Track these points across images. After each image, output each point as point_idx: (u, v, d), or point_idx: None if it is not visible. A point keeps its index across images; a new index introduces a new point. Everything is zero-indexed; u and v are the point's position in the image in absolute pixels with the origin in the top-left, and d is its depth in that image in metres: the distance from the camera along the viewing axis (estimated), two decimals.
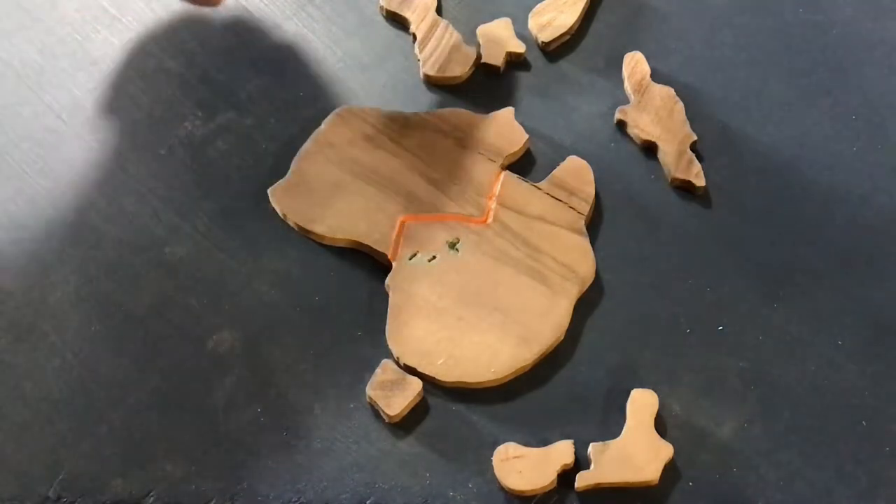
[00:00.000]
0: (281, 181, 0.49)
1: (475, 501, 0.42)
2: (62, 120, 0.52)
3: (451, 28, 0.54)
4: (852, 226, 0.49)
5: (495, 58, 0.53)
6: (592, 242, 0.48)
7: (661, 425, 0.44)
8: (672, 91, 0.52)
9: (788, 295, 0.47)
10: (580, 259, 0.47)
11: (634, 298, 0.47)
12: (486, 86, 0.53)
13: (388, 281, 0.47)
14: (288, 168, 0.50)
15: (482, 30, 0.54)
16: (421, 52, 0.53)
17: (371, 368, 0.45)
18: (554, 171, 0.50)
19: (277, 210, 0.49)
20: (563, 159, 0.50)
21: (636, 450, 0.43)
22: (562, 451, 0.43)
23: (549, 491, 0.42)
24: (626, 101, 0.52)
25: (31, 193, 0.50)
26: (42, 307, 0.47)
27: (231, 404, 0.45)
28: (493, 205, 0.49)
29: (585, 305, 0.47)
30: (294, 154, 0.50)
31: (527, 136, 0.51)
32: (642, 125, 0.51)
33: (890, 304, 0.47)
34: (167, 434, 0.44)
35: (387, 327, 0.46)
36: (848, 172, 0.51)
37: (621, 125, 0.52)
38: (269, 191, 0.49)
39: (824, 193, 0.50)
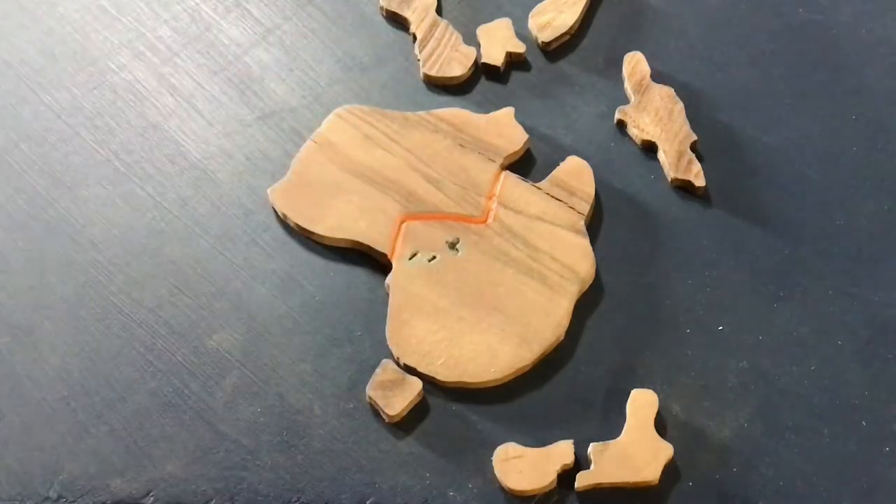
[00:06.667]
0: (281, 181, 0.49)
1: (475, 501, 0.42)
2: (62, 120, 0.52)
3: (451, 28, 0.54)
4: (852, 226, 0.49)
5: (495, 58, 0.53)
6: (592, 242, 0.48)
7: (661, 425, 0.44)
8: (672, 91, 0.52)
9: (788, 295, 0.47)
10: (580, 259, 0.47)
11: (634, 298, 0.47)
12: (486, 86, 0.53)
13: (388, 281, 0.47)
14: (288, 168, 0.50)
15: (482, 30, 0.54)
16: (421, 52, 0.53)
17: (371, 368, 0.45)
18: (554, 171, 0.50)
19: (277, 210, 0.49)
20: (563, 159, 0.50)
21: (636, 450, 0.43)
22: (562, 451, 0.43)
23: (549, 491, 0.42)
24: (626, 101, 0.52)
25: (31, 193, 0.50)
26: (42, 307, 0.47)
27: (231, 404, 0.45)
28: (493, 205, 0.49)
29: (585, 305, 0.47)
30: (293, 154, 0.50)
31: (527, 136, 0.51)
32: (642, 125, 0.51)
33: (890, 304, 0.47)
34: (167, 434, 0.44)
35: (387, 327, 0.46)
36: (848, 172, 0.50)
37: (621, 125, 0.52)
38: (268, 191, 0.49)
39: (824, 193, 0.50)
